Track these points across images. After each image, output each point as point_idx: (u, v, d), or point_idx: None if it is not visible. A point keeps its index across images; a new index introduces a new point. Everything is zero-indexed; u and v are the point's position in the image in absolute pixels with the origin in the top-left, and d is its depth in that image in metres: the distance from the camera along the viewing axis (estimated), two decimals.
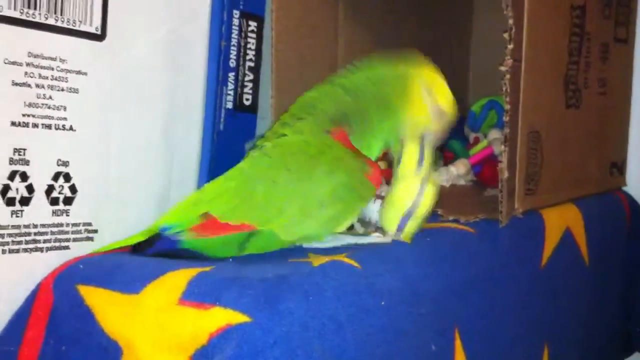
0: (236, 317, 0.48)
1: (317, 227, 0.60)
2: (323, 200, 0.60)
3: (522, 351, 0.72)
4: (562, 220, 0.78)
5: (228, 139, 0.77)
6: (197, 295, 0.50)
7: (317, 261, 0.56)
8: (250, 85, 0.82)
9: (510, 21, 0.69)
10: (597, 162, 0.90)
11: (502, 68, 0.70)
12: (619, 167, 0.96)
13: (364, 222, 0.68)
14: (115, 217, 0.67)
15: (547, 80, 0.78)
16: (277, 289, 0.51)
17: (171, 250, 0.58)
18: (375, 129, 0.65)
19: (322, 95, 0.66)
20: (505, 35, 0.69)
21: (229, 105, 0.79)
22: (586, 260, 0.81)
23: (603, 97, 0.90)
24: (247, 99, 0.81)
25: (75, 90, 0.64)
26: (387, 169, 0.79)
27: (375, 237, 0.64)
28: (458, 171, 0.93)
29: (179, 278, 0.52)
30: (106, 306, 0.53)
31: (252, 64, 0.82)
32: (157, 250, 0.58)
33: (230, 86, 0.79)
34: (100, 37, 0.66)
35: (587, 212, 0.82)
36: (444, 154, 0.98)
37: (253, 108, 0.82)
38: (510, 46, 0.70)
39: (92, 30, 0.65)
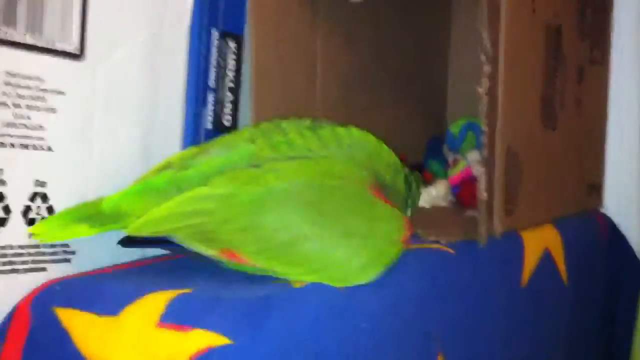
0: (217, 340, 0.47)
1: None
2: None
3: None
4: (541, 241, 0.79)
5: None
6: (176, 317, 0.50)
7: (298, 282, 0.56)
8: (229, 106, 0.82)
9: (487, 42, 0.70)
10: (575, 182, 0.91)
11: (480, 89, 0.70)
12: (596, 188, 0.97)
13: None
14: (94, 238, 0.66)
15: (525, 102, 0.79)
16: (258, 311, 0.50)
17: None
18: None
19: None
20: (483, 58, 0.70)
21: (209, 125, 0.79)
22: (565, 280, 0.81)
23: (579, 119, 0.91)
24: (227, 119, 0.81)
25: (53, 110, 0.64)
26: None
27: None
28: (437, 192, 0.93)
29: (158, 300, 0.52)
30: (84, 329, 0.53)
31: (231, 85, 0.82)
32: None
33: (210, 107, 0.79)
34: (78, 56, 0.66)
35: (566, 233, 0.83)
36: (424, 174, 0.99)
37: (233, 128, 0.82)
38: (487, 67, 0.70)
39: (70, 49, 0.65)
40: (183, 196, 0.56)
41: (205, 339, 0.48)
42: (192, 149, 0.64)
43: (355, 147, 0.61)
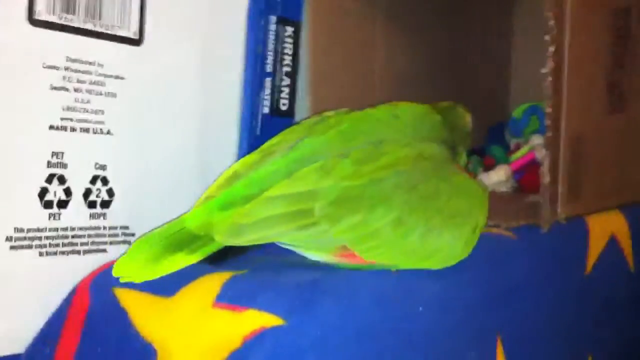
0: (270, 320, 0.47)
1: None
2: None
3: None
4: (606, 227, 0.76)
5: (264, 143, 0.77)
6: (231, 298, 0.50)
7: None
8: (286, 90, 0.81)
9: (551, 22, 0.68)
10: None
11: (544, 70, 0.68)
12: None
13: None
14: (152, 220, 0.67)
15: (591, 84, 0.76)
16: (311, 292, 0.50)
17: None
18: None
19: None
20: (547, 37, 0.68)
21: (266, 110, 0.79)
22: (632, 267, 0.78)
23: None
24: (283, 104, 0.81)
25: (113, 95, 0.65)
26: None
27: None
28: (499, 177, 0.91)
29: (214, 281, 0.52)
30: (142, 309, 0.53)
31: (288, 69, 0.82)
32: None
33: (267, 91, 0.79)
34: (137, 41, 0.67)
35: (632, 218, 0.80)
36: (485, 160, 0.97)
37: (290, 113, 0.82)
38: (552, 48, 0.68)
39: (129, 35, 0.66)
40: (280, 190, 0.52)
41: (258, 319, 0.47)
42: (253, 155, 0.58)
43: (423, 123, 0.62)
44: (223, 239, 0.51)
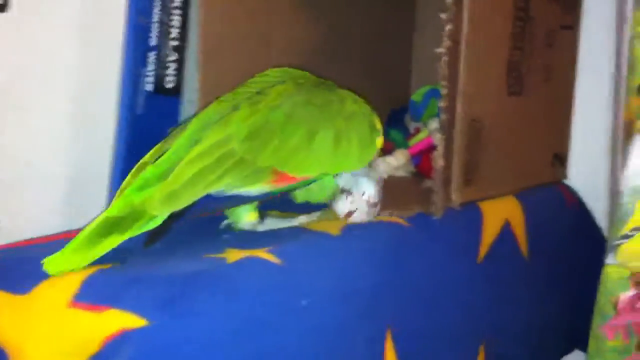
0: (132, 321, 0.43)
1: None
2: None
3: (457, 352, 0.68)
4: (500, 213, 0.75)
5: (147, 123, 0.72)
6: (91, 296, 0.45)
7: (233, 257, 0.51)
8: (173, 65, 0.76)
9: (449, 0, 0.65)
10: (539, 152, 0.87)
11: (440, 50, 0.66)
12: (561, 159, 0.93)
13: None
14: (16, 209, 0.61)
15: (489, 65, 0.74)
16: (182, 288, 0.45)
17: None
18: None
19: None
20: (443, 16, 0.65)
21: (149, 87, 0.73)
22: (525, 254, 0.77)
23: (547, 85, 0.86)
24: (169, 81, 0.76)
25: None
26: None
27: (301, 219, 0.63)
28: (397, 162, 0.89)
29: (73, 277, 0.47)
30: None
31: (176, 43, 0.76)
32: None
33: (151, 67, 0.73)
34: (1, 7, 0.60)
35: (527, 204, 0.79)
36: (384, 144, 0.94)
37: (176, 91, 0.77)
38: (449, 27, 0.66)
39: None
40: (195, 152, 0.55)
41: (119, 320, 0.43)
42: (154, 148, 0.58)
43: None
44: (159, 210, 0.52)
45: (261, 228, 0.61)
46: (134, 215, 0.51)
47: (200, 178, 0.53)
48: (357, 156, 0.62)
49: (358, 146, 0.62)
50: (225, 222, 0.62)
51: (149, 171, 0.55)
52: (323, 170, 0.60)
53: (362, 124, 0.63)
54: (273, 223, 0.62)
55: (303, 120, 0.59)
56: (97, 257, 0.49)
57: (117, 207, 0.52)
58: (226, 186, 0.55)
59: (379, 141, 0.64)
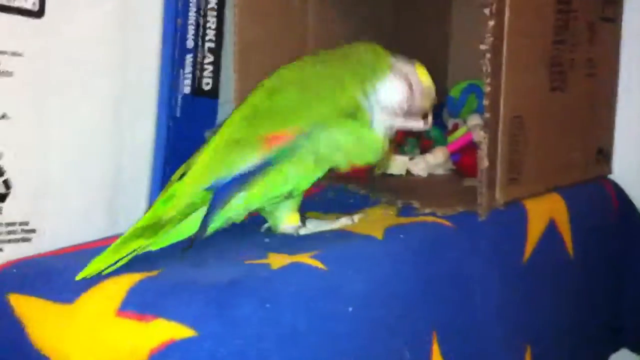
0: (180, 331, 0.42)
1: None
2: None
3: (503, 353, 0.67)
4: (545, 211, 0.73)
5: (185, 126, 0.71)
6: (137, 305, 0.45)
7: (277, 263, 0.50)
8: (210, 68, 0.76)
9: None
10: (583, 147, 0.85)
11: (483, 47, 0.64)
12: (605, 153, 0.90)
13: None
14: (56, 214, 0.60)
15: (531, 61, 0.72)
16: (228, 296, 0.45)
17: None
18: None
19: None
20: (486, 11, 0.64)
21: (187, 89, 0.73)
22: (571, 253, 0.76)
23: (590, 80, 0.84)
24: (206, 83, 0.75)
25: (9, 74, 0.58)
26: None
27: (342, 221, 0.62)
28: (436, 160, 0.88)
29: (120, 284, 0.47)
30: (38, 318, 0.48)
31: (212, 45, 0.76)
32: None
33: (188, 69, 0.73)
34: (38, 13, 0.60)
35: (572, 201, 0.77)
36: (422, 141, 0.93)
37: (213, 93, 0.76)
38: (492, 22, 0.64)
39: (28, 6, 0.59)
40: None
41: (167, 330, 0.42)
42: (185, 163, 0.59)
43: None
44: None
45: (303, 232, 0.60)
46: (160, 225, 0.52)
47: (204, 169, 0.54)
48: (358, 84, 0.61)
49: (355, 75, 0.61)
50: (266, 225, 0.61)
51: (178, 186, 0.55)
52: (316, 119, 0.58)
53: (363, 55, 0.63)
54: (315, 226, 0.61)
55: (291, 89, 0.60)
56: (122, 255, 0.49)
57: (145, 218, 0.52)
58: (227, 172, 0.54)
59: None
